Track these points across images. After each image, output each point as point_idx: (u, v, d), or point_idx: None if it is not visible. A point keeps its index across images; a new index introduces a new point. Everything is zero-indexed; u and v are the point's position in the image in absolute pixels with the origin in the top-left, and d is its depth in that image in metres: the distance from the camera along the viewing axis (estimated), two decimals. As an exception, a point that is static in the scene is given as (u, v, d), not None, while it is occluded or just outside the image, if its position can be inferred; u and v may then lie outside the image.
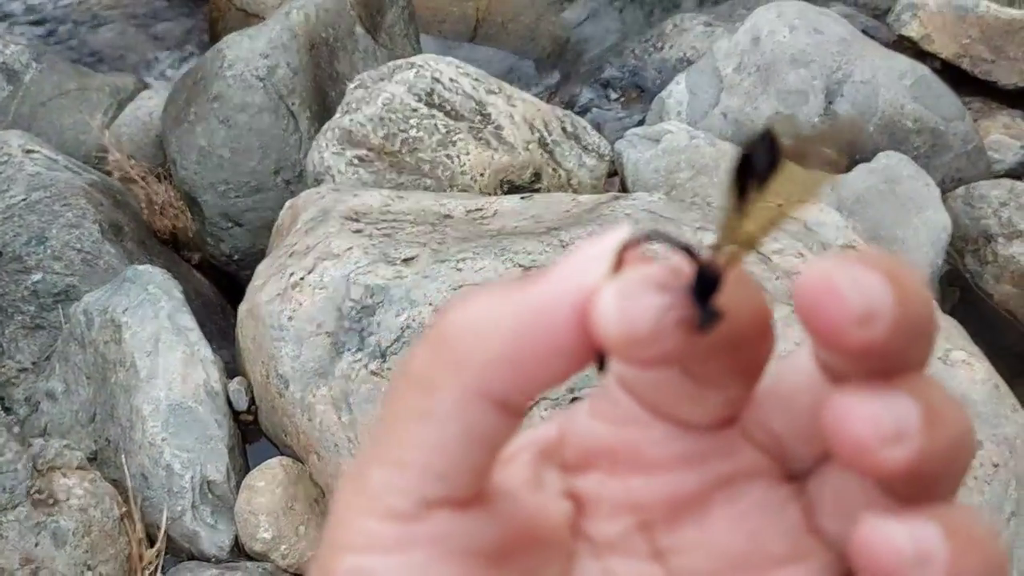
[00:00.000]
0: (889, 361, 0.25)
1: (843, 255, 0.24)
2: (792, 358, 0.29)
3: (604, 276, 0.25)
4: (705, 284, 0.24)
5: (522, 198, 1.59)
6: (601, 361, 0.25)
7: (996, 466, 1.26)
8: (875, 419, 0.24)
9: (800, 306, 0.24)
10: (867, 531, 0.25)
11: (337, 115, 1.73)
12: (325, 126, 1.74)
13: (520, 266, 1.39)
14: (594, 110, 2.38)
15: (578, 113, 2.20)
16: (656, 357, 0.24)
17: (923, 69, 2.21)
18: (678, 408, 0.29)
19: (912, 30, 2.56)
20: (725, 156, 1.95)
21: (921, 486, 0.26)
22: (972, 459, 0.26)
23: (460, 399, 0.25)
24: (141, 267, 1.65)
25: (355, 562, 0.26)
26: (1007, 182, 2.13)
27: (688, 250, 0.25)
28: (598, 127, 2.17)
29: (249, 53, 1.82)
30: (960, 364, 1.34)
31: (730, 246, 0.25)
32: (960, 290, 1.98)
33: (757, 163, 0.24)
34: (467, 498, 0.26)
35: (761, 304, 0.26)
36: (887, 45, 2.36)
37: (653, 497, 0.29)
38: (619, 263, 0.25)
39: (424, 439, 0.26)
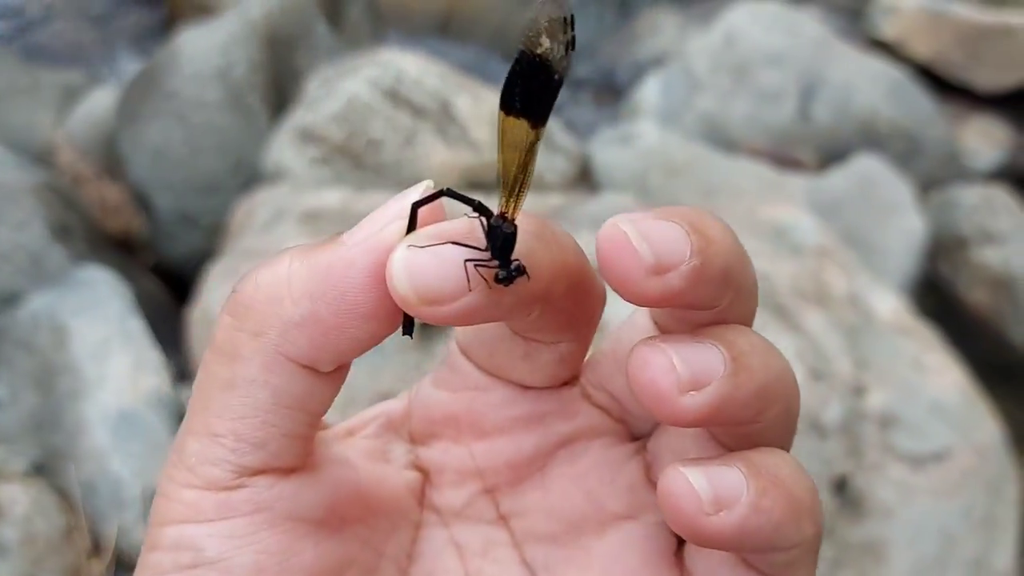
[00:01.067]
0: (700, 313, 0.24)
1: (646, 209, 0.23)
2: (632, 320, 0.28)
3: (399, 235, 0.24)
4: (504, 239, 0.23)
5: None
6: (409, 324, 0.24)
7: (968, 472, 1.24)
8: (671, 367, 0.23)
9: (598, 261, 0.23)
10: (666, 480, 0.24)
11: (297, 112, 1.68)
12: (284, 123, 1.69)
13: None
14: (566, 110, 2.35)
15: (549, 113, 2.16)
16: (455, 313, 0.23)
17: (898, 72, 2.20)
18: (513, 369, 0.28)
19: (888, 33, 2.54)
20: (699, 158, 1.92)
21: (736, 433, 0.25)
22: (793, 406, 0.26)
23: (263, 365, 0.24)
24: (90, 269, 1.60)
25: (178, 533, 0.25)
26: (981, 187, 2.11)
27: (481, 206, 0.24)
28: (570, 127, 2.13)
29: (206, 48, 1.77)
30: (933, 370, 1.32)
31: (517, 195, 0.24)
32: (935, 295, 1.96)
33: (523, 94, 0.23)
34: (289, 465, 0.25)
35: (568, 258, 0.25)
36: (862, 47, 2.35)
37: (495, 461, 0.29)
38: (414, 222, 0.24)
39: (232, 408, 0.25)
